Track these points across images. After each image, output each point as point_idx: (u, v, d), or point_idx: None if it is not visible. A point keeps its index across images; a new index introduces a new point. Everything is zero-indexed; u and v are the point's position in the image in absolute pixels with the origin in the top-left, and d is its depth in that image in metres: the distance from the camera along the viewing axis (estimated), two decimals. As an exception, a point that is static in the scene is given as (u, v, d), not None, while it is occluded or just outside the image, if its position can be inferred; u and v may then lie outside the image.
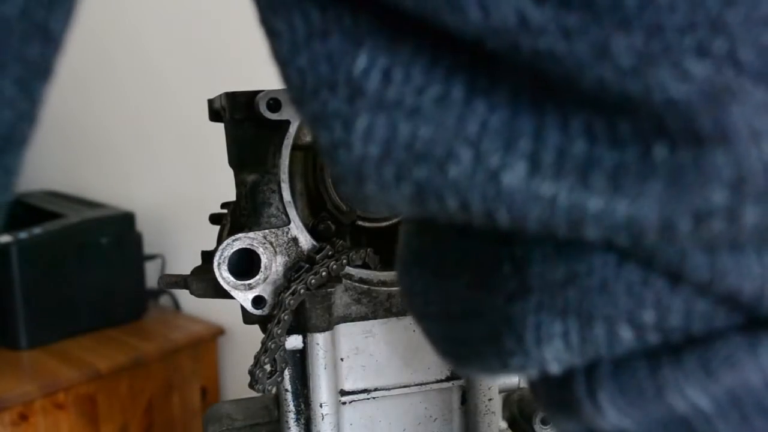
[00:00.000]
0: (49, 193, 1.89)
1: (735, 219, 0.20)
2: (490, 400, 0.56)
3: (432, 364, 0.56)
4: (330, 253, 0.52)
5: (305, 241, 0.52)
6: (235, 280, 0.50)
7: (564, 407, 0.25)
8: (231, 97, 0.52)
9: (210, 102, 0.58)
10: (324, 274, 0.51)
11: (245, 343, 1.47)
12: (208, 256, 0.56)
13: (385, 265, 0.55)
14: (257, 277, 0.51)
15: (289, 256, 0.52)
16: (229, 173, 0.54)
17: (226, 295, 0.52)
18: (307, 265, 0.51)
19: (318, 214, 0.56)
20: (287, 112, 0.51)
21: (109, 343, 1.55)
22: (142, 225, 1.67)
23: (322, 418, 0.53)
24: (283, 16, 0.22)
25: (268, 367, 0.51)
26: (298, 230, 0.52)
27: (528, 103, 0.20)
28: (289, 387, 0.54)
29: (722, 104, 0.18)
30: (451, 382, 0.57)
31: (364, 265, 0.54)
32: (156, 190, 1.81)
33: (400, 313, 0.55)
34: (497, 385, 0.57)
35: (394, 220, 0.58)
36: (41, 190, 1.92)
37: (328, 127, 0.22)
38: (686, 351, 0.23)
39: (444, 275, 0.27)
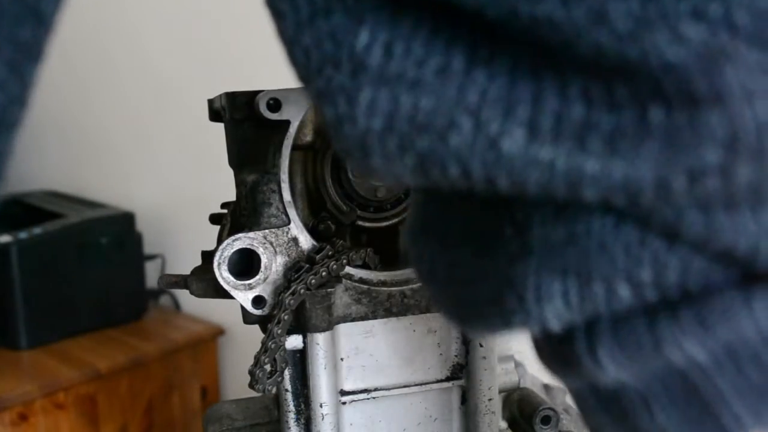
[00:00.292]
0: (49, 193, 1.89)
1: (729, 177, 0.20)
2: (490, 400, 0.56)
3: (432, 364, 0.56)
4: (330, 253, 0.52)
5: (305, 241, 0.52)
6: (235, 280, 0.50)
7: (565, 363, 0.26)
8: (231, 97, 0.52)
9: (210, 102, 0.58)
10: (324, 274, 0.51)
11: (245, 343, 1.47)
12: (208, 256, 0.56)
13: (385, 265, 0.55)
14: (257, 277, 0.51)
15: (289, 256, 0.52)
16: (229, 173, 0.54)
17: (226, 295, 0.52)
18: (307, 265, 0.51)
19: (318, 214, 0.56)
20: (287, 112, 0.51)
21: (109, 343, 1.55)
22: (142, 225, 1.67)
23: (322, 418, 0.53)
24: None
25: (268, 367, 0.51)
26: (298, 230, 0.52)
27: (526, 71, 0.21)
28: (289, 387, 0.54)
29: (717, 66, 0.19)
30: (451, 382, 0.57)
31: (364, 265, 0.55)
32: (156, 190, 1.81)
33: (400, 313, 0.55)
34: (497, 385, 0.57)
35: (394, 220, 0.58)
36: (41, 190, 1.92)
37: (333, 102, 0.23)
38: (683, 306, 0.23)
39: (449, 244, 0.28)
